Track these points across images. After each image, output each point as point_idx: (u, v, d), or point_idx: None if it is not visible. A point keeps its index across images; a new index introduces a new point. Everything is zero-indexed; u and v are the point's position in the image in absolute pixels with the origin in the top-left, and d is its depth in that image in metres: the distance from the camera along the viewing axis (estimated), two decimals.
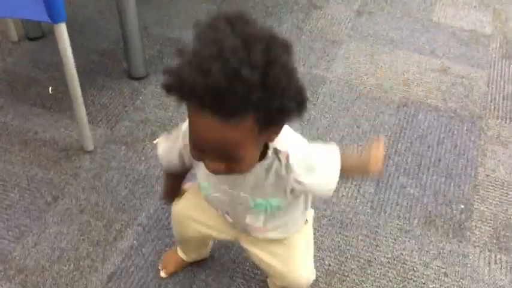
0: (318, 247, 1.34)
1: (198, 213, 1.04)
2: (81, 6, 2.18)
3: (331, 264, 1.32)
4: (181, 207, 1.08)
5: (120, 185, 1.48)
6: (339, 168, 0.86)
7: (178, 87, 0.64)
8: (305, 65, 1.94)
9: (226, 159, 0.71)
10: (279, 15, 2.21)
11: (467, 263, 1.34)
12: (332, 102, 1.80)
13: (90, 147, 1.56)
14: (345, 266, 1.32)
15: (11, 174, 1.50)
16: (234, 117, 0.63)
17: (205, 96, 0.61)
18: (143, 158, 1.56)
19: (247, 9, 2.22)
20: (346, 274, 1.30)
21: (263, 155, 0.79)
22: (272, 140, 0.77)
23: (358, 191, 1.50)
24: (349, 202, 1.46)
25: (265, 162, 0.80)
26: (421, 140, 1.67)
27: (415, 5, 2.30)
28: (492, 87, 1.89)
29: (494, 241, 1.39)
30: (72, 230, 1.36)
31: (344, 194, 1.48)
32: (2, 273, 1.25)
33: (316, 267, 1.26)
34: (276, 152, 0.79)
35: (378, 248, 1.36)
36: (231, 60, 0.60)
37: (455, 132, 1.71)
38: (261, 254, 1.02)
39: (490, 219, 1.45)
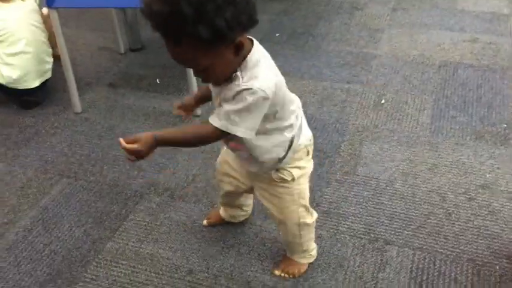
0: (392, 159, 1.69)
1: (226, 166, 1.30)
2: None
3: (404, 168, 1.66)
4: (218, 163, 1.33)
5: None
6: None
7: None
8: (356, 47, 2.37)
9: (198, 71, 0.94)
10: (328, 17, 2.68)
11: None
12: (384, 69, 2.20)
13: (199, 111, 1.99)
14: (415, 169, 1.66)
15: None
16: (177, 42, 0.87)
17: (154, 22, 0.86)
18: None
19: (301, 16, 2.70)
20: (418, 174, 1.64)
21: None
22: (233, 54, 0.91)
23: (417, 122, 1.86)
24: (411, 129, 1.83)
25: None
26: (463, 86, 2.04)
27: (440, 0, 2.74)
28: None
29: None
30: None
31: (406, 125, 1.85)
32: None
33: (393, 172, 1.61)
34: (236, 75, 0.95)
35: (440, 156, 1.70)
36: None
37: (490, 79, 2.07)
38: (264, 202, 1.25)
39: None
